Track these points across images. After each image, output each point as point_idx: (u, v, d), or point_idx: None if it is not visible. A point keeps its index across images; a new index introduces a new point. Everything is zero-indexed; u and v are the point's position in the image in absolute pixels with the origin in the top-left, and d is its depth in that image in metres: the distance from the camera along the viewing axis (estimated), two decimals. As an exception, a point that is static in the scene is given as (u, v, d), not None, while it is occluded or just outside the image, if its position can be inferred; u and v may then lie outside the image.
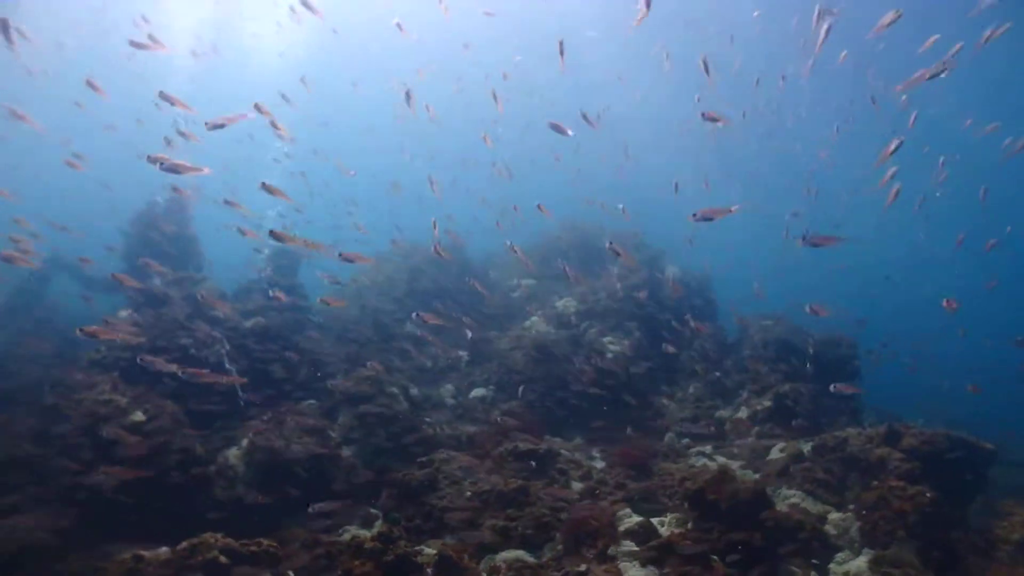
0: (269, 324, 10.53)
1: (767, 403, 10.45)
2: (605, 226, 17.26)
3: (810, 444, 8.64)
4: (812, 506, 7.37)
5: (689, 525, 6.59)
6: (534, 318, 13.69)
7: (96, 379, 8.14)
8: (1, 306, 14.72)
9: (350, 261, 7.89)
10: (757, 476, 8.08)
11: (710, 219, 6.84)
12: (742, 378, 11.69)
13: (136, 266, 12.28)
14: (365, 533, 6.98)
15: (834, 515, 7.23)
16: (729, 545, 6.09)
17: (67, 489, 6.98)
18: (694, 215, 6.71)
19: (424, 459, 8.51)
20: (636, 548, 6.31)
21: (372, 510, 7.97)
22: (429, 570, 5.88)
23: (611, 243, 8.64)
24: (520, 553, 6.36)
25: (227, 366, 9.24)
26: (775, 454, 8.84)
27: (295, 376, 10.16)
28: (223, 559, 5.99)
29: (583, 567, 5.93)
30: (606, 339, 12.34)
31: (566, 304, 13.83)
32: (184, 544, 5.96)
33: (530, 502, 7.05)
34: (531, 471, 8.08)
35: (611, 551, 6.27)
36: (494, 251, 18.22)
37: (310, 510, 7.29)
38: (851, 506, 7.36)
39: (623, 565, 6.10)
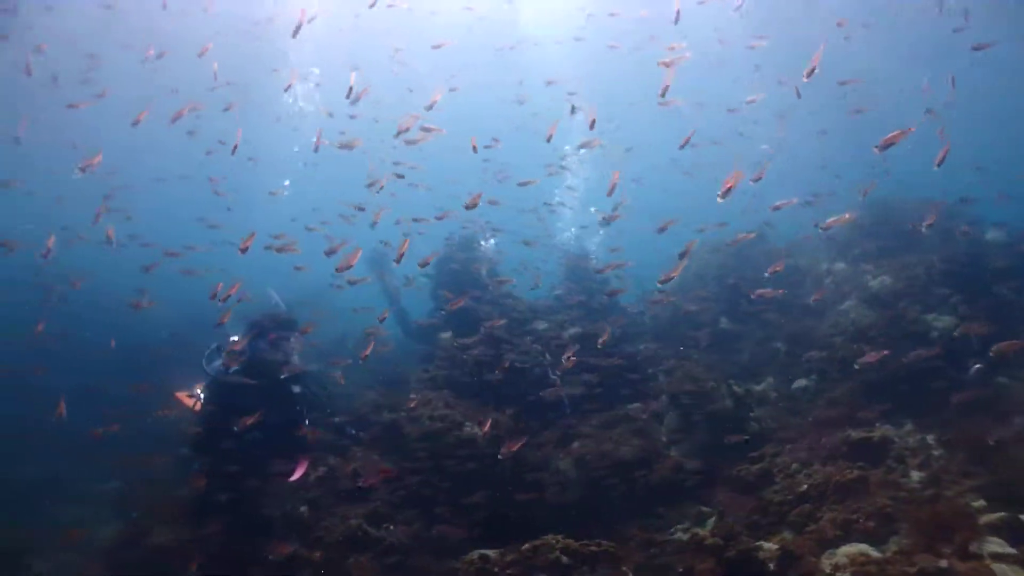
0: (587, 332, 10.80)
1: None
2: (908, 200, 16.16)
3: None
4: None
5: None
6: (849, 302, 12.98)
7: (429, 396, 8.81)
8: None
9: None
10: None
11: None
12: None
13: (440, 297, 13.33)
14: (699, 530, 6.93)
15: None
16: None
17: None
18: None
19: (755, 454, 8.36)
20: (1009, 549, 5.62)
21: (703, 508, 7.93)
22: (771, 565, 5.74)
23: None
24: (863, 547, 6.02)
25: (552, 376, 9.64)
26: None
27: (618, 380, 10.32)
28: (564, 559, 6.18)
29: (943, 563, 5.43)
30: (929, 316, 11.40)
31: (881, 284, 12.97)
32: (527, 545, 6.23)
33: (869, 492, 6.67)
34: (866, 460, 7.63)
35: (973, 548, 5.68)
36: (795, 237, 17.59)
37: None
38: None
39: (996, 567, 5.44)
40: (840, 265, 15.40)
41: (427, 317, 14.87)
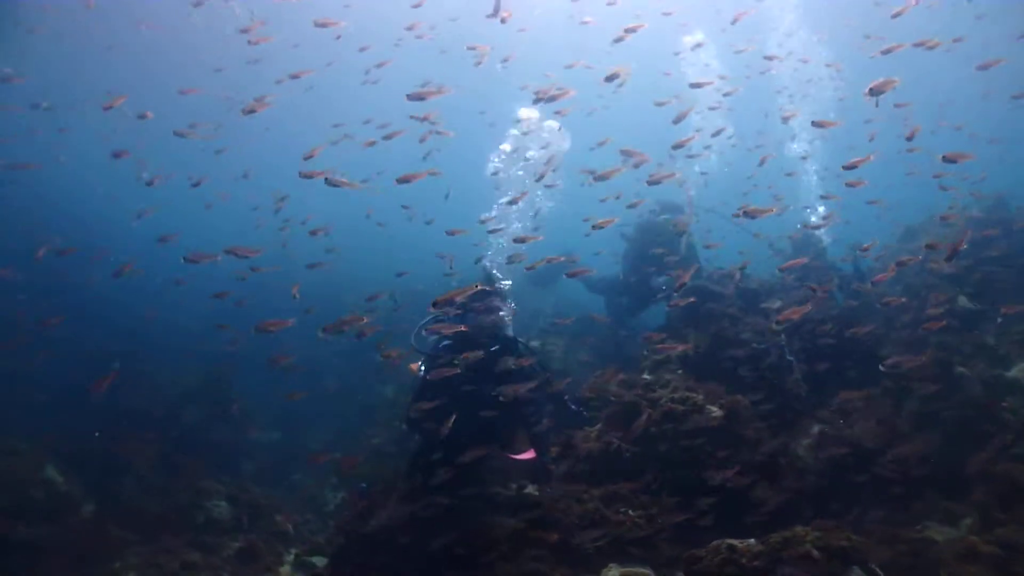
0: (824, 314, 10.36)
1: None
2: None
3: None
4: None
5: None
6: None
7: (666, 377, 8.66)
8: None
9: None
10: None
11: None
12: None
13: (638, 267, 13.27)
14: (969, 535, 6.45)
15: None
16: None
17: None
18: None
19: (1019, 450, 7.72)
20: None
21: (951, 505, 7.41)
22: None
23: None
24: None
25: (788, 357, 9.30)
26: None
27: (854, 363, 9.83)
28: (815, 553, 5.91)
29: None
30: None
31: None
32: (776, 536, 5.98)
33: None
34: None
35: None
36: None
37: None
38: None
39: None
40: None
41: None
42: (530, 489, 7.80)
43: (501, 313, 8.44)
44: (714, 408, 7.81)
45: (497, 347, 8.09)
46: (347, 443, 14.37)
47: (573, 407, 8.79)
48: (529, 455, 8.12)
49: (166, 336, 19.62)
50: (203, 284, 22.85)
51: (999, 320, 11.37)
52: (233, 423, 15.51)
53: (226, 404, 15.69)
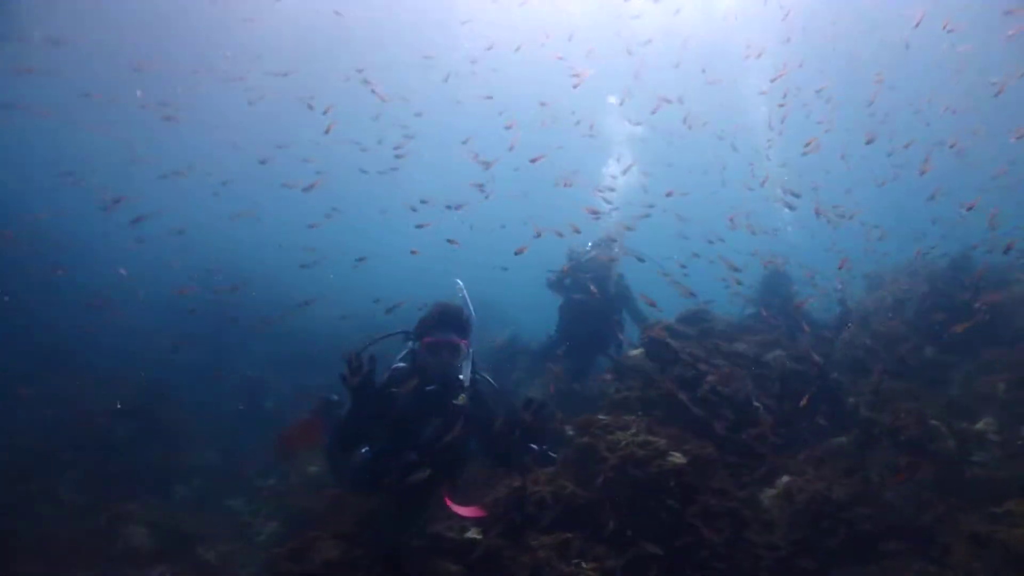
0: (789, 356, 9.97)
1: None
2: None
3: None
4: None
5: None
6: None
7: (626, 419, 8.10)
8: None
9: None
10: None
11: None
12: None
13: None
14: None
15: None
16: None
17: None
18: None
19: (997, 510, 7.30)
20: None
21: (930, 567, 6.95)
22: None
23: None
24: None
25: (754, 403, 8.86)
26: None
27: (825, 411, 9.44)
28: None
29: None
30: None
31: None
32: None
33: None
34: None
35: None
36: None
37: None
38: None
39: None
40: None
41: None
42: (471, 535, 7.20)
43: (459, 350, 7.59)
44: (676, 455, 7.27)
45: (434, 387, 7.38)
46: (285, 468, 13.77)
47: (540, 448, 7.89)
48: (473, 513, 7.45)
49: (103, 340, 18.88)
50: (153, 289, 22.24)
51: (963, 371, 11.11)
52: (167, 441, 14.82)
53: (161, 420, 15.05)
